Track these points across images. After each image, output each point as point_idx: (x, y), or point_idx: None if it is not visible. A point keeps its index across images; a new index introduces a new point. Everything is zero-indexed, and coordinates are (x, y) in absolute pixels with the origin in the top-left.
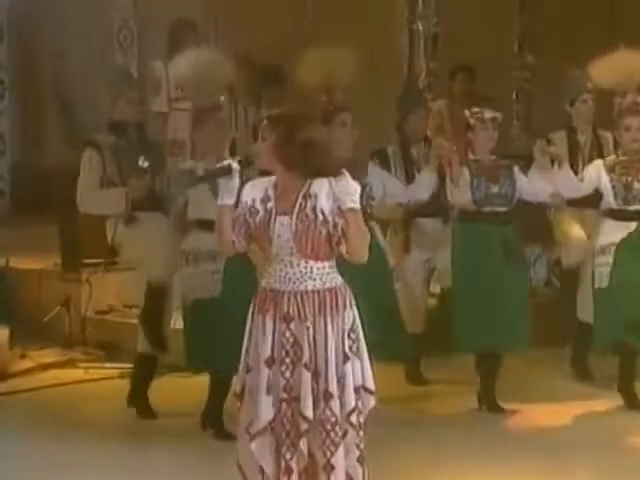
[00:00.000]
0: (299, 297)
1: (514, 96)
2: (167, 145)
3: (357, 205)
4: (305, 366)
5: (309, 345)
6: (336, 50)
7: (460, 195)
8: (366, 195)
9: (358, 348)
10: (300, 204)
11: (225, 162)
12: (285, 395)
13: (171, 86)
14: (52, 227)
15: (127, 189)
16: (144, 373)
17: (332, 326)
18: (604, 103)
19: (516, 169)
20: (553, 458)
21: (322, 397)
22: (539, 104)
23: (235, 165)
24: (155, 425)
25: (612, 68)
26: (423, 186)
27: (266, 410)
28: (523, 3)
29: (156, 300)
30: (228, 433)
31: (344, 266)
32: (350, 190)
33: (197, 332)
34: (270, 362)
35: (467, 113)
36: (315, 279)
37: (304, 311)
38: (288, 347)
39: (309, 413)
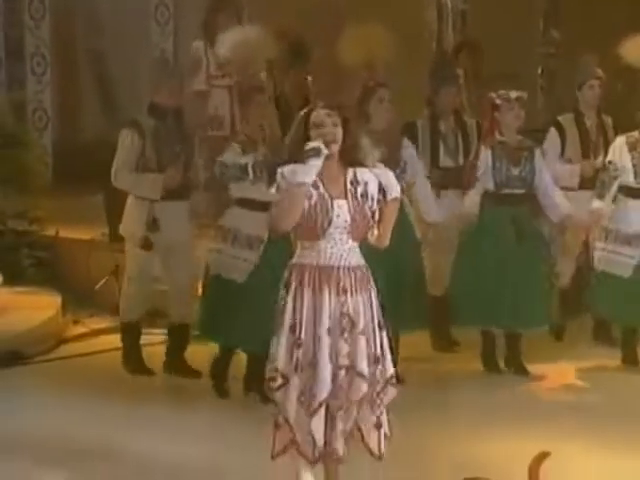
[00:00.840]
0: (351, 271)
1: (539, 71)
2: (207, 122)
3: (399, 195)
4: (362, 332)
5: (363, 314)
6: (376, 27)
7: (481, 176)
8: (400, 170)
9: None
10: (350, 190)
11: (314, 144)
12: (347, 362)
13: (212, 64)
14: (96, 198)
15: (164, 176)
16: (180, 341)
17: (372, 297)
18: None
19: (538, 153)
20: (576, 420)
21: (372, 362)
22: (563, 79)
23: (323, 147)
24: (198, 386)
25: None
26: (442, 206)
27: (326, 379)
28: None
29: None
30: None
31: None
32: (394, 181)
33: (214, 305)
34: (328, 332)
35: (493, 94)
36: (356, 256)
37: (355, 284)
38: (346, 317)
39: (367, 373)
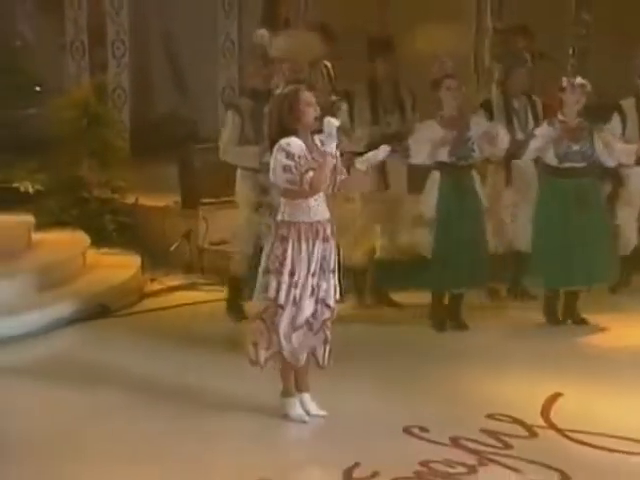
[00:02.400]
0: (328, 222)
1: (570, 51)
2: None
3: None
4: (332, 271)
5: (335, 257)
6: (450, 24)
7: (545, 151)
8: (468, 148)
9: None
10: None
11: (336, 121)
12: (323, 295)
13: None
14: (169, 169)
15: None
16: (238, 290)
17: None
18: None
19: (596, 133)
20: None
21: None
22: (593, 59)
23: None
24: None
25: None
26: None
27: (308, 309)
28: None
29: None
30: None
31: (446, 209)
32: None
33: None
34: (314, 274)
35: (563, 78)
36: (327, 209)
37: (331, 233)
38: (325, 261)
39: (334, 304)
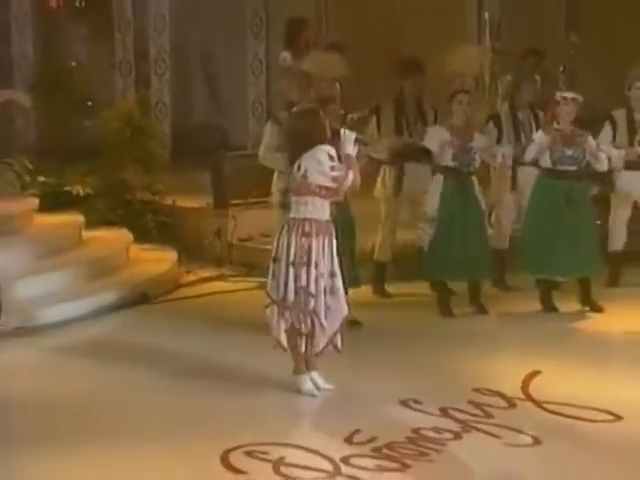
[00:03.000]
0: (326, 222)
1: (561, 68)
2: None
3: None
4: (316, 266)
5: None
6: (471, 47)
7: (541, 155)
8: (470, 157)
9: None
10: None
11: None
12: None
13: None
14: (203, 173)
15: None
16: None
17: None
18: None
19: (590, 138)
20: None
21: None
22: (582, 76)
23: None
24: None
25: None
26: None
27: (291, 293)
28: None
29: None
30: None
31: (448, 209)
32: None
33: None
34: (315, 266)
35: (557, 93)
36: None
37: (327, 230)
38: (322, 254)
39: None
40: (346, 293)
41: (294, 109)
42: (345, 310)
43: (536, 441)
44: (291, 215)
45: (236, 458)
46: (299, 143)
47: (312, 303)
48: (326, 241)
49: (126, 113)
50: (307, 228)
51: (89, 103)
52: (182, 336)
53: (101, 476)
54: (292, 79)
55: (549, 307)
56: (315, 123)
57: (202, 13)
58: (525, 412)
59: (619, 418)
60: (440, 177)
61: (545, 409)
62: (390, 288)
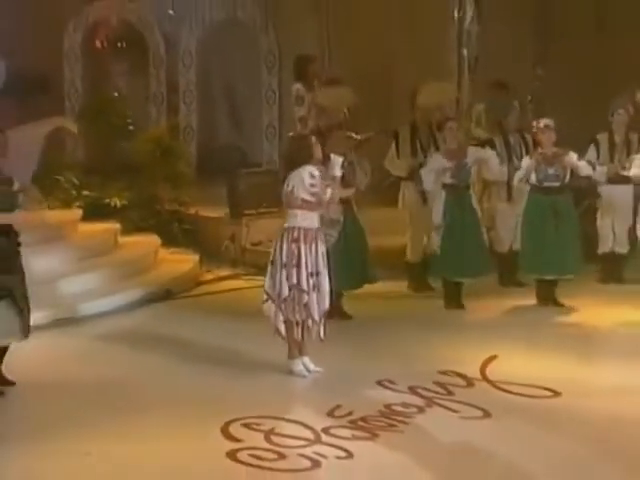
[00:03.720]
0: (317, 231)
1: (529, 98)
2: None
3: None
4: (305, 266)
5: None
6: (445, 84)
7: (528, 175)
8: (466, 173)
9: None
10: None
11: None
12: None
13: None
14: (221, 188)
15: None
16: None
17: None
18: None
19: (570, 153)
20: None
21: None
22: (549, 104)
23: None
24: None
25: None
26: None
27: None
28: (537, 30)
29: None
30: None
31: (451, 217)
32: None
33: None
34: (305, 268)
35: (534, 122)
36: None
37: (316, 237)
38: (307, 257)
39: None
40: (357, 288)
41: (289, 135)
42: (327, 305)
43: (486, 414)
44: (285, 224)
45: (235, 429)
46: (289, 163)
47: (305, 298)
48: (313, 246)
49: (157, 137)
50: (296, 235)
51: (130, 127)
52: (200, 326)
53: (128, 440)
54: (307, 109)
55: (542, 301)
56: (303, 147)
57: (224, 51)
58: (480, 390)
59: (558, 394)
60: (442, 192)
61: (497, 388)
62: (396, 285)
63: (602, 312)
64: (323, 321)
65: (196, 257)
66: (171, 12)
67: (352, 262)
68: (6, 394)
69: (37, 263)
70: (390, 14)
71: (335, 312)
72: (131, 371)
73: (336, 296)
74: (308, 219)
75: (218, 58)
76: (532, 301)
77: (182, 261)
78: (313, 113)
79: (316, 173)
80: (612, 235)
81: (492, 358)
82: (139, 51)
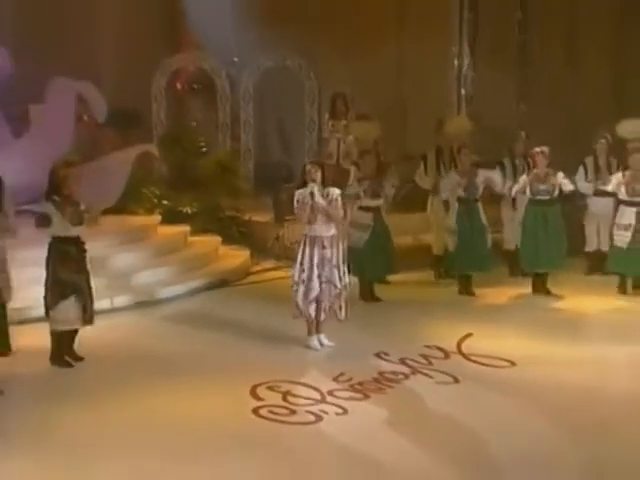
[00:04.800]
0: (329, 238)
1: (524, 132)
2: (326, 155)
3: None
4: (336, 266)
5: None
6: (464, 118)
7: (525, 189)
8: (475, 189)
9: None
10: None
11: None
12: (328, 279)
13: (327, 126)
14: (268, 199)
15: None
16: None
17: (338, 250)
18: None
19: (559, 174)
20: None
21: (338, 280)
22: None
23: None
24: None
25: (630, 129)
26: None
27: (316, 287)
28: (520, 73)
29: None
30: None
31: (462, 223)
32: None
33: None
34: (317, 266)
35: (535, 149)
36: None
37: (331, 243)
38: (326, 260)
39: (340, 285)
40: (384, 277)
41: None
42: (312, 296)
43: (455, 380)
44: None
45: (260, 390)
46: (298, 186)
47: (328, 287)
48: (319, 248)
49: (219, 159)
50: (309, 240)
51: (204, 149)
52: (248, 308)
53: (181, 398)
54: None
55: (537, 291)
56: (303, 173)
57: (275, 90)
58: (454, 361)
59: (513, 364)
60: (456, 204)
61: (467, 359)
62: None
63: (584, 299)
64: (338, 306)
65: (247, 253)
66: (235, 59)
67: (380, 257)
68: (88, 361)
69: (124, 258)
70: (404, 62)
71: (368, 296)
72: (191, 343)
73: (368, 283)
74: (307, 229)
75: (271, 96)
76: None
77: (237, 256)
78: (346, 142)
79: (299, 198)
80: (597, 237)
81: (468, 335)
82: (210, 91)
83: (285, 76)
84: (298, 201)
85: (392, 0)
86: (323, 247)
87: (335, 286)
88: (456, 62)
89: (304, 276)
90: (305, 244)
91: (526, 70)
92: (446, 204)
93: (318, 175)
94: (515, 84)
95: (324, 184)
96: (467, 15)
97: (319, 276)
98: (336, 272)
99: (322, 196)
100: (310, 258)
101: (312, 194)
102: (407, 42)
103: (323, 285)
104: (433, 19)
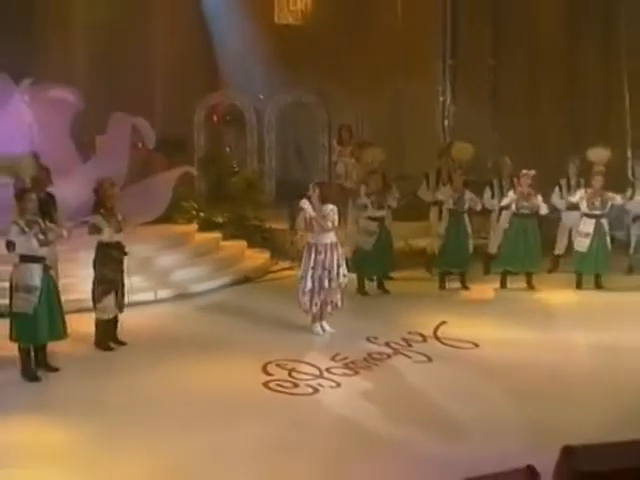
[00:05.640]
0: (330, 245)
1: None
2: (336, 175)
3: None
4: (338, 266)
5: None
6: (468, 145)
7: (510, 204)
8: (463, 203)
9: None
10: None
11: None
12: (333, 276)
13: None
14: (284, 211)
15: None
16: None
17: (338, 253)
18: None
19: (538, 196)
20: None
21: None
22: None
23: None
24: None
25: (597, 155)
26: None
27: (308, 285)
28: (494, 108)
29: None
30: None
31: (449, 231)
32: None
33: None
34: (323, 267)
35: (523, 171)
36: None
37: (331, 250)
38: (329, 262)
39: (331, 284)
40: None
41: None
42: (337, 292)
43: (429, 360)
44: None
45: (271, 367)
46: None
47: (326, 284)
48: (315, 253)
49: (245, 177)
50: (307, 246)
51: (236, 169)
52: (267, 300)
53: (207, 374)
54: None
55: (503, 285)
56: (312, 189)
57: (294, 121)
58: (430, 344)
59: (477, 346)
60: (446, 213)
61: (441, 342)
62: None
63: (546, 293)
64: (338, 299)
65: (268, 255)
66: (261, 97)
67: (383, 258)
68: (129, 345)
69: (167, 258)
70: (399, 99)
71: (380, 289)
72: (218, 329)
73: (377, 279)
74: (316, 237)
75: (290, 126)
76: (515, 286)
77: (259, 258)
78: (354, 165)
79: (303, 205)
80: (567, 242)
81: (443, 323)
82: (240, 122)
83: (302, 110)
84: (293, 214)
85: (390, 49)
86: (317, 252)
87: (327, 284)
88: (441, 99)
89: (302, 274)
90: (305, 249)
91: (498, 105)
92: (441, 214)
93: (315, 193)
94: (489, 117)
95: (323, 200)
96: (449, 61)
97: (312, 276)
98: (327, 274)
99: (315, 210)
100: (307, 261)
101: (302, 207)
102: (402, 83)
103: (316, 283)
104: (422, 65)
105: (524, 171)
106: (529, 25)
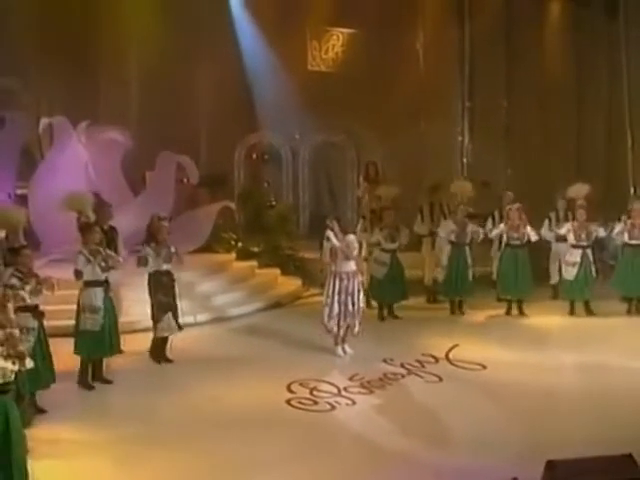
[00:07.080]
0: (352, 273)
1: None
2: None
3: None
4: (358, 292)
5: (357, 287)
6: (467, 182)
7: (502, 235)
8: (465, 236)
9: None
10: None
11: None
12: (351, 301)
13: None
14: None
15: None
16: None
17: (357, 280)
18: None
19: (527, 227)
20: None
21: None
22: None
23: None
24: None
25: (576, 191)
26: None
27: (335, 310)
28: (506, 146)
29: None
30: None
31: (451, 261)
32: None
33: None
34: (344, 292)
35: (508, 206)
36: (353, 266)
37: (351, 278)
38: (349, 288)
39: (354, 308)
40: (398, 302)
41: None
42: (358, 316)
43: (440, 379)
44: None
45: (294, 386)
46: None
47: (350, 308)
48: (339, 280)
49: (281, 210)
50: (332, 274)
51: (273, 203)
52: (295, 323)
53: (236, 389)
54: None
55: (508, 312)
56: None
57: (324, 158)
58: (441, 365)
59: (485, 367)
60: (448, 246)
61: (452, 364)
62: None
63: (544, 318)
64: (355, 325)
65: (299, 281)
66: (296, 136)
67: (395, 286)
68: (175, 363)
69: (207, 285)
70: (421, 138)
71: (390, 315)
72: (250, 349)
73: (387, 306)
74: (339, 266)
75: (322, 163)
76: (514, 312)
77: (291, 284)
78: (370, 198)
79: (329, 234)
80: (558, 271)
81: (455, 346)
82: (277, 160)
83: (333, 149)
84: (322, 244)
85: (413, 93)
86: (341, 279)
87: (351, 309)
88: (459, 138)
89: (328, 301)
90: (330, 277)
91: (511, 143)
92: (434, 245)
93: (335, 225)
94: (503, 154)
95: (344, 231)
96: (467, 104)
97: (338, 302)
98: (350, 299)
99: (338, 240)
100: (332, 288)
101: (328, 239)
102: (424, 124)
103: (342, 307)
104: (442, 107)
105: (509, 206)
106: (539, 71)
